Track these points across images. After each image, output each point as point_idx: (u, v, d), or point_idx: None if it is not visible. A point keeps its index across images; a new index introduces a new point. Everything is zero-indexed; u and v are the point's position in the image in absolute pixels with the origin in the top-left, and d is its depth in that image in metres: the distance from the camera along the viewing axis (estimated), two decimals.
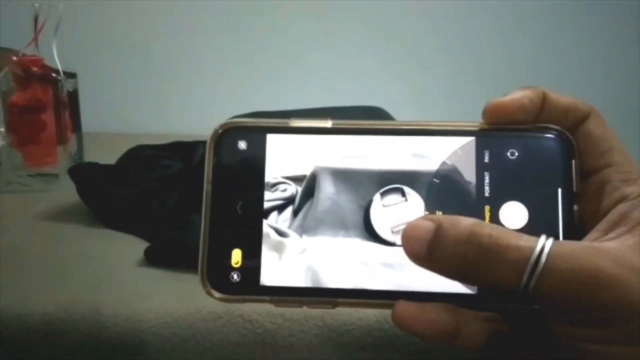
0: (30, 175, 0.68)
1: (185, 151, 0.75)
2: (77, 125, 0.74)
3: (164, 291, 0.39)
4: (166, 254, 0.44)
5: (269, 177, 0.26)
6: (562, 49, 1.00)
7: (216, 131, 0.26)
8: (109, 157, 0.75)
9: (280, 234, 0.26)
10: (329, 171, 0.26)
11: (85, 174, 0.58)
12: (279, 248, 0.25)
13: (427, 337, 0.23)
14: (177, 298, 0.38)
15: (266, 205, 0.26)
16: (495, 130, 0.26)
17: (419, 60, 1.01)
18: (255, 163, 0.26)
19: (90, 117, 0.77)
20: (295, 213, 0.26)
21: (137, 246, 0.49)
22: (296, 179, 0.26)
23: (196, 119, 1.03)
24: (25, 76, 0.67)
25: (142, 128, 1.01)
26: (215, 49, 1.01)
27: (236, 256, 0.25)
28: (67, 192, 0.64)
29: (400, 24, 1.00)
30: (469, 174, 0.26)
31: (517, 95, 0.25)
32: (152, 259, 0.44)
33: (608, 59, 1.01)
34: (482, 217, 0.25)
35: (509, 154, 0.26)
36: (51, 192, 0.67)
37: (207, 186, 0.26)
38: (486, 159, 0.26)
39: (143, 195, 0.57)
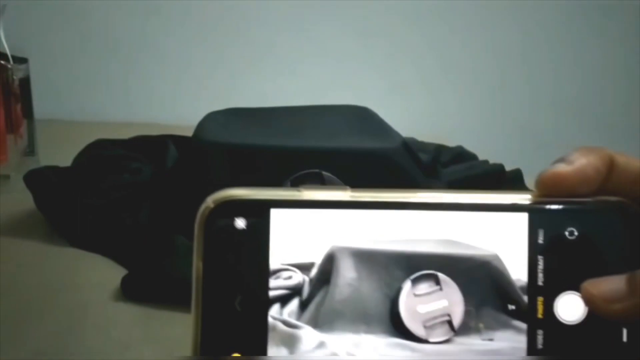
0: None
1: (152, 149, 0.68)
2: (29, 116, 0.66)
3: (150, 337, 0.34)
4: (148, 286, 0.38)
5: (270, 263, 0.21)
6: (555, 44, 0.98)
7: (207, 207, 0.21)
8: (65, 148, 0.67)
9: (290, 326, 0.21)
10: (349, 252, 0.21)
11: (44, 181, 0.51)
12: (289, 342, 0.21)
13: None
14: (167, 347, 0.33)
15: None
16: (551, 204, 0.21)
17: (399, 52, 0.97)
18: (257, 246, 0.21)
19: (42, 103, 0.69)
20: (304, 304, 0.21)
21: (110, 271, 0.43)
22: (303, 266, 0.21)
23: (160, 107, 0.95)
24: None
25: (100, 116, 0.92)
26: (183, 31, 0.93)
27: None
28: (19, 198, 0.57)
29: (382, 14, 0.95)
30: (519, 258, 0.22)
31: (581, 164, 0.21)
32: (131, 291, 0.39)
33: (608, 58, 0.99)
34: (535, 310, 0.21)
35: (567, 233, 0.22)
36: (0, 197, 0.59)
37: (196, 276, 0.21)
38: (540, 240, 0.22)
39: (111, 206, 0.51)
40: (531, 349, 0.21)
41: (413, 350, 0.21)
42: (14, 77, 0.58)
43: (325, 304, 0.21)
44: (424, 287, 0.21)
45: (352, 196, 0.21)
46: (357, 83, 0.97)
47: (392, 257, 0.21)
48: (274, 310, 0.21)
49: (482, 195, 0.22)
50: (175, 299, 0.37)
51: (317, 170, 0.49)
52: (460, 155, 0.71)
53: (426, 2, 0.94)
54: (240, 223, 0.21)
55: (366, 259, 0.21)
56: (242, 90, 0.95)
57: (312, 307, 0.21)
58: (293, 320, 0.21)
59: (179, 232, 0.45)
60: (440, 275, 0.21)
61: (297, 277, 0.21)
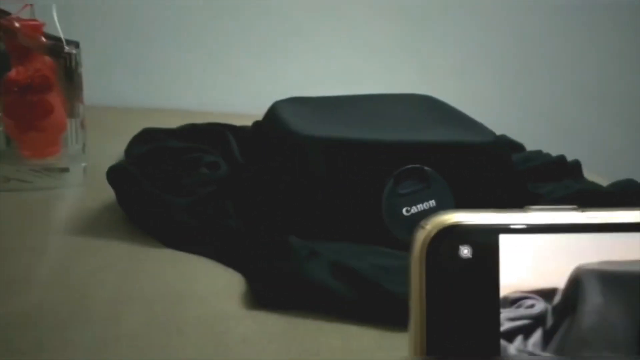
0: (33, 170, 0.55)
1: (212, 140, 0.65)
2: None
3: (314, 352, 0.32)
4: (288, 293, 0.36)
5: (506, 292, 0.20)
6: (572, 28, 0.98)
7: (428, 233, 0.19)
8: (109, 136, 0.64)
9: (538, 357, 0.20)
10: (595, 275, 0.20)
11: (129, 178, 0.47)
12: None
13: None
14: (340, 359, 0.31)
15: (508, 325, 0.20)
16: None
17: (429, 36, 0.95)
18: (486, 277, 0.19)
19: None
20: (548, 334, 0.20)
21: (223, 275, 0.40)
22: (543, 293, 0.20)
23: (193, 93, 0.92)
24: (25, 46, 0.54)
25: (129, 100, 0.88)
26: (214, 19, 0.89)
27: None
28: (83, 192, 0.54)
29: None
30: None
31: None
32: (270, 299, 0.36)
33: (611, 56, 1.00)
34: None
35: None
36: (57, 191, 0.55)
37: (417, 311, 0.19)
38: None
39: (201, 204, 0.48)
40: None
41: None
42: (77, 62, 0.53)
43: (572, 333, 0.20)
44: None
45: (588, 217, 0.20)
46: (384, 70, 0.95)
47: (631, 279, 0.20)
48: (518, 342, 0.20)
49: None
50: (316, 306, 0.36)
51: (419, 166, 0.48)
52: (510, 144, 0.70)
53: None
54: (465, 251, 0.19)
55: (613, 282, 0.20)
56: (270, 74, 0.92)
57: (557, 337, 0.20)
58: (541, 353, 0.20)
59: (287, 231, 0.43)
60: None
61: (540, 305, 0.20)
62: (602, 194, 0.56)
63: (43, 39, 0.53)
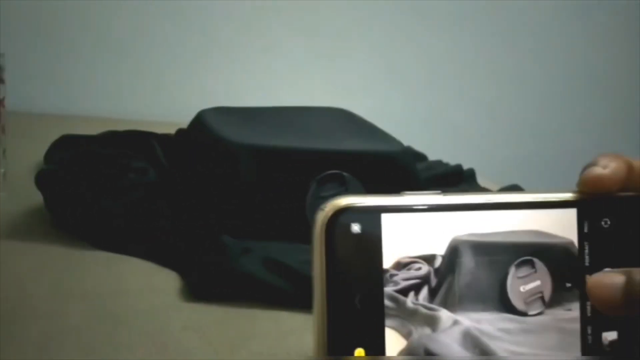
0: None
1: (135, 146, 0.66)
2: None
3: (250, 335, 0.35)
4: (225, 286, 0.39)
5: (397, 258, 0.25)
6: (473, 46, 1.09)
7: (326, 214, 0.23)
8: (24, 143, 0.63)
9: (429, 309, 0.25)
10: (468, 244, 0.26)
11: (58, 183, 0.48)
12: (431, 322, 0.25)
13: None
14: (271, 342, 0.35)
15: (403, 284, 0.25)
16: (593, 200, 0.27)
17: (341, 52, 1.02)
18: (373, 248, 0.24)
19: None
20: (433, 291, 0.25)
21: (154, 274, 0.43)
22: (425, 259, 0.25)
23: (110, 100, 0.91)
24: None
25: (44, 107, 0.86)
26: (134, 27, 0.90)
27: (359, 354, 0.23)
28: (3, 197, 0.53)
29: (327, 15, 0.99)
30: (575, 244, 0.27)
31: (614, 167, 0.27)
32: (204, 291, 0.39)
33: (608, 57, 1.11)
34: (584, 286, 0.26)
35: (603, 223, 0.27)
36: None
37: (319, 278, 0.23)
38: (585, 229, 0.27)
39: (132, 208, 0.50)
40: (583, 316, 0.27)
41: (518, 322, 0.26)
42: (1, 68, 0.53)
43: (453, 289, 0.25)
44: (524, 270, 0.26)
45: (448, 199, 0.25)
46: (299, 83, 1.00)
47: (500, 247, 0.26)
48: (411, 297, 0.25)
49: (541, 195, 0.27)
50: (249, 297, 0.39)
51: (338, 172, 0.53)
52: (415, 154, 0.78)
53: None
54: (355, 227, 0.24)
55: (480, 249, 0.26)
56: (186, 89, 0.94)
57: (441, 293, 0.25)
58: (430, 304, 0.25)
59: (220, 232, 0.46)
60: (536, 260, 0.26)
61: (425, 268, 0.25)
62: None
63: None
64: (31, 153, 0.63)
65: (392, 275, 0.24)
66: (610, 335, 0.27)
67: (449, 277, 0.25)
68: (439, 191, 0.25)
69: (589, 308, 0.27)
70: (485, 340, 0.25)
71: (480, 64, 1.08)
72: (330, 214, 0.23)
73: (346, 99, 1.06)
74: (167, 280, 0.42)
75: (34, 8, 0.86)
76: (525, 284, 0.26)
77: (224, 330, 0.36)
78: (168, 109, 0.93)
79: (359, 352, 0.23)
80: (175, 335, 0.35)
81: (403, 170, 0.56)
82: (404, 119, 1.08)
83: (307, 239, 0.50)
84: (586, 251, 0.27)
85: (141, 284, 0.41)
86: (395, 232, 0.24)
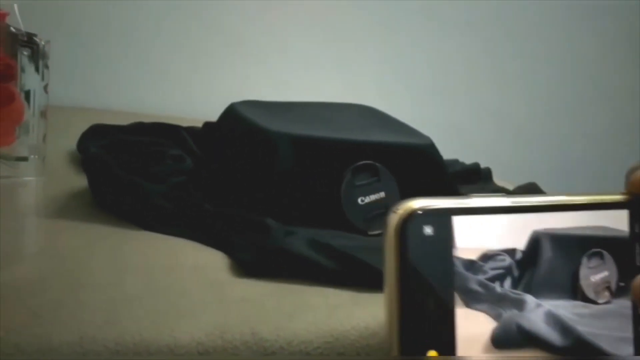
0: None
1: (166, 137, 0.68)
2: None
3: (304, 307, 0.37)
4: (273, 265, 0.41)
5: (481, 251, 0.26)
6: (484, 49, 1.12)
7: (399, 217, 0.24)
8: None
9: (515, 294, 0.27)
10: (547, 236, 0.28)
11: (103, 166, 0.49)
12: (518, 304, 0.26)
13: None
14: (323, 314, 0.36)
15: (491, 273, 0.26)
16: None
17: (356, 52, 1.04)
18: (444, 250, 0.24)
19: None
20: (516, 280, 0.27)
21: (203, 252, 0.44)
22: (507, 252, 0.27)
23: (128, 95, 0.93)
24: None
25: (61, 100, 0.88)
26: (151, 23, 0.92)
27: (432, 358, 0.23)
28: (45, 181, 0.54)
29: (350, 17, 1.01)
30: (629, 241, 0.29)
31: None
32: (253, 268, 0.41)
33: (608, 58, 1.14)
34: None
35: None
36: (15, 180, 0.55)
37: (392, 280, 0.23)
38: (637, 230, 0.28)
39: (175, 191, 0.51)
40: (635, 316, 0.28)
41: (588, 309, 0.28)
42: (45, 53, 0.54)
43: (534, 278, 0.27)
44: (594, 261, 0.28)
45: (513, 202, 0.27)
46: (313, 81, 1.02)
47: (574, 240, 0.28)
48: (497, 285, 0.26)
49: (596, 197, 0.29)
50: (297, 274, 0.41)
51: (372, 162, 0.55)
52: None
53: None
54: (428, 230, 0.24)
55: (557, 241, 0.28)
56: (203, 86, 0.95)
57: (523, 282, 0.27)
58: (516, 291, 0.27)
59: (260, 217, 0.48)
60: (604, 252, 0.28)
61: (508, 260, 0.27)
62: (511, 192, 0.67)
63: (11, 28, 0.53)
64: (54, 143, 0.64)
65: (480, 265, 0.25)
66: None
67: (530, 268, 0.27)
68: (504, 194, 0.26)
69: None
70: (566, 320, 0.26)
71: (489, 68, 1.11)
72: (403, 216, 0.23)
73: (357, 99, 1.09)
74: (214, 259, 0.43)
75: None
76: (595, 274, 0.28)
77: (279, 302, 0.37)
78: (185, 105, 0.95)
79: (432, 354, 0.23)
80: (234, 306, 0.36)
81: (433, 162, 0.58)
82: (413, 120, 1.10)
83: (341, 226, 0.52)
84: (637, 251, 0.28)
85: (191, 261, 0.42)
86: (465, 234, 0.25)
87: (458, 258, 0.25)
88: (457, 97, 1.10)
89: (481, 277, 0.25)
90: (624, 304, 0.28)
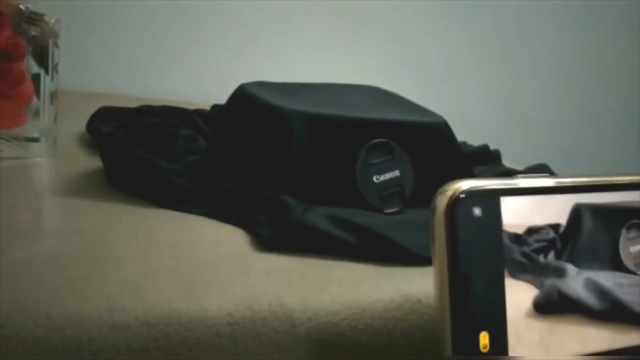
0: (2, 139, 0.54)
1: (176, 118, 0.67)
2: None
3: (328, 280, 0.37)
4: (294, 240, 0.41)
5: (526, 227, 0.26)
6: (489, 36, 1.12)
7: (448, 198, 0.24)
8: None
9: (557, 264, 0.27)
10: (588, 208, 0.28)
11: (118, 145, 0.49)
12: (560, 272, 0.27)
13: None
14: (348, 287, 0.36)
15: (535, 246, 0.27)
16: None
17: (363, 35, 1.04)
18: (493, 231, 0.25)
19: None
20: (558, 253, 0.27)
21: (223, 229, 0.44)
22: (552, 226, 0.27)
23: (134, 79, 0.92)
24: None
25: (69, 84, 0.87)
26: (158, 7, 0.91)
27: (484, 340, 0.23)
28: (57, 162, 0.54)
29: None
30: None
31: None
32: (274, 243, 0.41)
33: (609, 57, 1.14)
34: None
35: None
36: (28, 161, 0.55)
37: (442, 262, 0.23)
38: None
39: (191, 170, 0.51)
40: None
41: (628, 279, 0.28)
42: (56, 33, 0.54)
43: (575, 249, 0.28)
44: (634, 232, 0.29)
45: (557, 182, 0.27)
46: (320, 65, 1.02)
47: (613, 211, 0.29)
48: (541, 257, 0.27)
49: (635, 177, 0.29)
50: (319, 249, 0.41)
51: (385, 140, 0.55)
52: None
53: None
54: (477, 211, 0.24)
55: (597, 213, 0.28)
56: (210, 70, 0.95)
57: (566, 253, 0.27)
58: (558, 261, 0.27)
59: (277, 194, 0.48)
60: None
61: (552, 233, 0.28)
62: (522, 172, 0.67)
63: (20, 6, 0.53)
64: (62, 127, 0.64)
65: (525, 239, 0.26)
66: None
67: (572, 239, 0.27)
68: (547, 174, 0.27)
69: None
70: (604, 286, 0.27)
71: (497, 52, 1.11)
72: (452, 198, 0.23)
73: (364, 81, 1.09)
74: (235, 235, 0.43)
75: None
76: (634, 245, 0.28)
77: (304, 276, 0.37)
78: (192, 88, 0.94)
79: (484, 335, 0.23)
80: (260, 279, 0.36)
81: (446, 140, 0.58)
82: (420, 103, 1.10)
83: (357, 204, 0.52)
84: None
85: (212, 237, 0.42)
86: (513, 214, 0.25)
87: (505, 232, 0.25)
88: (465, 80, 1.10)
89: (526, 249, 0.26)
90: None
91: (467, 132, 1.06)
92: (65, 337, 0.29)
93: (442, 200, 0.23)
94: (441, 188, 0.24)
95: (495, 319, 0.24)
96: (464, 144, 0.80)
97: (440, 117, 0.60)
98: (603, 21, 1.13)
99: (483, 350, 0.23)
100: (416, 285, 0.37)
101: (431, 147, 0.57)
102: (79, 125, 0.66)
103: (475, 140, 0.82)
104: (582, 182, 0.28)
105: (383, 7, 1.03)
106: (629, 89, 1.17)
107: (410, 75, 1.07)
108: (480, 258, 0.24)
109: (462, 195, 0.24)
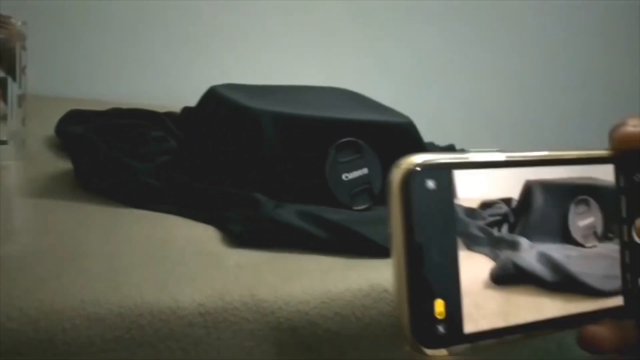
0: None
1: (149, 120, 0.68)
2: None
3: (298, 272, 0.38)
4: (265, 235, 0.42)
5: (481, 201, 0.27)
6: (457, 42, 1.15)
7: (403, 171, 0.24)
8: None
9: (510, 237, 0.29)
10: (538, 184, 0.29)
11: (93, 147, 0.49)
12: (514, 246, 0.28)
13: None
14: (318, 278, 0.38)
15: (489, 220, 0.27)
16: (627, 157, 0.30)
17: (334, 39, 1.05)
18: (447, 203, 0.25)
19: None
20: (511, 227, 0.28)
21: (195, 227, 0.45)
22: (504, 200, 0.28)
23: (103, 83, 0.92)
24: None
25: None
26: (136, 7, 0.91)
27: (439, 307, 0.24)
28: (26, 165, 0.54)
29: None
30: (615, 194, 0.30)
31: None
32: (246, 239, 0.42)
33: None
34: (622, 235, 0.30)
35: (635, 178, 0.30)
36: None
37: (398, 233, 0.24)
38: (622, 183, 0.30)
39: (162, 169, 0.51)
40: (623, 263, 0.30)
41: (576, 251, 0.30)
42: (23, 35, 0.54)
43: (527, 223, 0.29)
44: (581, 208, 0.30)
45: (508, 157, 0.28)
46: (290, 68, 1.03)
47: (563, 187, 0.30)
48: (495, 230, 0.28)
49: (586, 152, 0.30)
50: (288, 244, 0.42)
51: (354, 139, 0.56)
52: None
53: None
54: (430, 184, 0.24)
55: (547, 189, 0.30)
56: (179, 73, 0.95)
57: (518, 227, 0.28)
58: (511, 234, 0.28)
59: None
60: (590, 199, 0.30)
61: (504, 208, 0.29)
62: None
63: None
64: (30, 131, 0.64)
65: (480, 213, 0.27)
66: None
67: (524, 214, 0.28)
68: (498, 149, 0.27)
69: (627, 256, 0.30)
70: (555, 259, 0.28)
71: (462, 57, 1.14)
72: (406, 171, 0.24)
73: (335, 84, 1.10)
74: (207, 232, 0.44)
75: None
76: (582, 219, 0.30)
77: (274, 268, 0.38)
78: (163, 92, 0.94)
79: (439, 303, 0.24)
80: (232, 272, 0.37)
81: (412, 139, 0.60)
82: (389, 105, 1.13)
83: (327, 201, 0.53)
84: (623, 203, 0.30)
85: (185, 234, 0.43)
86: (465, 187, 0.26)
87: (460, 206, 0.26)
88: (433, 83, 1.13)
89: (481, 222, 0.27)
90: (611, 248, 0.30)
91: (434, 133, 1.09)
92: (39, 330, 0.29)
93: (397, 174, 0.24)
94: (396, 162, 0.25)
95: (450, 287, 0.24)
96: (432, 144, 0.82)
97: (407, 117, 0.62)
98: (561, 24, 1.18)
99: (438, 317, 0.24)
100: (383, 276, 0.39)
101: (398, 146, 0.58)
102: (48, 128, 0.66)
103: (442, 141, 0.84)
104: (531, 156, 0.29)
105: (354, 11, 1.05)
106: (588, 91, 1.22)
107: (381, 78, 1.09)
108: (434, 228, 0.25)
109: (417, 169, 0.24)
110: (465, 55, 1.14)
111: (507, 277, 0.27)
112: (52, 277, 0.33)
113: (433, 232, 0.24)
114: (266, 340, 0.34)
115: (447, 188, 0.25)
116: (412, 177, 0.24)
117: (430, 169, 0.25)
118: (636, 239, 0.30)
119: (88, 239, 0.39)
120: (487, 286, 0.26)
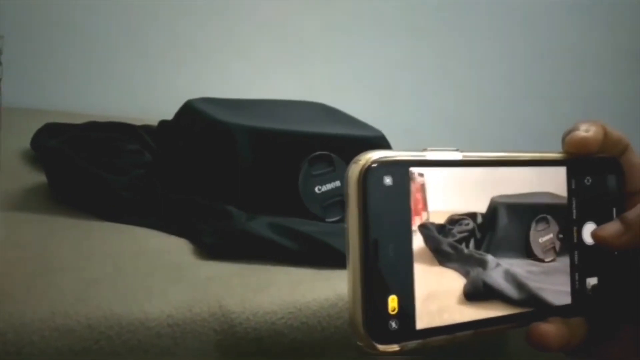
0: None
1: (126, 133, 0.68)
2: None
3: (267, 283, 0.39)
4: (236, 247, 0.42)
5: (451, 215, 0.27)
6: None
7: (360, 167, 0.24)
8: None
9: (479, 255, 0.30)
10: (503, 204, 0.31)
11: (63, 159, 0.50)
12: (481, 264, 0.30)
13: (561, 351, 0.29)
14: (286, 289, 0.38)
15: (458, 236, 0.29)
16: (578, 161, 0.31)
17: (311, 54, 1.07)
18: (403, 199, 0.25)
19: None
20: (478, 243, 0.30)
21: (167, 239, 0.45)
22: (470, 215, 0.30)
23: (76, 95, 0.92)
24: None
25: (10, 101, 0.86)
26: (113, 21, 0.92)
27: (392, 303, 0.24)
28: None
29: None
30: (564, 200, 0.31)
31: (595, 131, 0.31)
32: (217, 251, 0.42)
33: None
34: (572, 237, 0.31)
35: (586, 180, 0.32)
36: None
37: (354, 227, 0.24)
38: (573, 186, 0.32)
39: (136, 183, 0.52)
40: (572, 264, 0.32)
41: (537, 266, 0.32)
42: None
43: (493, 241, 0.30)
44: (541, 225, 0.32)
45: (464, 156, 0.29)
46: (269, 84, 1.05)
47: (525, 207, 0.32)
48: (464, 247, 0.29)
49: (540, 154, 0.32)
50: (259, 255, 0.43)
51: (327, 153, 0.57)
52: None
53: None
54: (387, 180, 0.25)
55: (512, 209, 0.32)
56: (155, 87, 0.96)
57: (485, 243, 0.30)
58: (478, 251, 0.30)
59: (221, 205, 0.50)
60: (549, 217, 0.32)
61: (471, 224, 0.30)
62: None
63: None
64: (3, 144, 0.64)
65: (449, 229, 0.28)
66: (592, 281, 0.32)
67: (489, 231, 0.30)
68: (456, 148, 0.28)
69: (576, 257, 0.31)
70: (520, 277, 0.30)
71: (435, 71, 1.17)
72: (364, 166, 0.24)
73: (310, 98, 1.12)
74: (178, 244, 0.45)
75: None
76: (542, 236, 0.31)
77: (244, 280, 0.39)
78: (140, 107, 0.95)
79: (392, 298, 0.24)
80: (201, 284, 0.38)
81: None
82: (363, 120, 1.15)
83: (300, 214, 0.54)
84: (573, 205, 0.31)
85: (156, 247, 0.43)
86: (422, 184, 0.26)
87: (432, 223, 0.27)
88: (405, 98, 1.15)
89: (450, 239, 0.28)
90: (565, 262, 0.32)
91: (409, 146, 1.12)
92: (7, 342, 0.30)
93: (354, 169, 0.24)
94: (354, 158, 0.25)
95: (404, 283, 0.25)
96: None
97: (378, 131, 0.63)
98: (528, 38, 1.21)
99: (391, 313, 0.24)
100: None
101: None
102: (22, 141, 0.66)
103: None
104: (487, 157, 0.29)
105: (329, 26, 1.07)
106: (566, 104, 1.25)
107: (356, 92, 1.11)
108: (390, 225, 0.25)
109: (374, 165, 0.24)
110: (440, 68, 1.17)
111: (478, 295, 0.28)
112: (21, 290, 0.33)
113: (389, 228, 0.25)
114: (232, 350, 0.34)
115: (404, 185, 0.25)
116: (369, 172, 0.24)
117: (387, 165, 0.25)
118: (585, 240, 0.32)
119: (58, 253, 0.40)
120: (461, 301, 0.27)
